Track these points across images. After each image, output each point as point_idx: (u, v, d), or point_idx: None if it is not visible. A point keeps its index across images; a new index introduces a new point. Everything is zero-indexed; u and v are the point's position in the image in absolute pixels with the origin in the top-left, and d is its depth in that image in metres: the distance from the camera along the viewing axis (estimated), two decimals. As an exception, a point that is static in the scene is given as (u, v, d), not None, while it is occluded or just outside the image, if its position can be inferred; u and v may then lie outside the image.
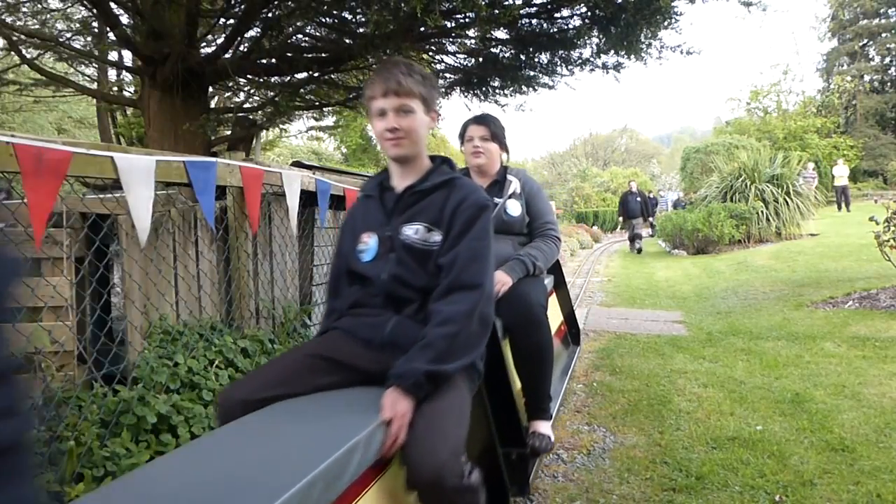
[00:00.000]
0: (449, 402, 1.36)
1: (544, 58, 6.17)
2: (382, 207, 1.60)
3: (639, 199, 14.50)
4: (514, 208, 2.48)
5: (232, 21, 5.59)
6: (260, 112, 6.91)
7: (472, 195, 1.53)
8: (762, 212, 12.01)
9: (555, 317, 3.24)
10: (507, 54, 6.26)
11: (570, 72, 6.33)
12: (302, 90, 6.37)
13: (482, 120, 2.51)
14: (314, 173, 3.66)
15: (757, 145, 17.64)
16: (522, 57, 6.14)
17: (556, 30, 5.75)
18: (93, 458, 1.85)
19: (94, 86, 8.74)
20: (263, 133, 11.45)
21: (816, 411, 3.08)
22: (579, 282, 9.13)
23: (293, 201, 3.21)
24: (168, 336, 2.65)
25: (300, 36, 6.19)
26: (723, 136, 26.00)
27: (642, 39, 5.53)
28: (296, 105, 6.37)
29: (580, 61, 6.07)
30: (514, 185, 2.52)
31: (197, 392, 2.38)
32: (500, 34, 5.96)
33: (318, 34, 6.30)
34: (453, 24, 5.35)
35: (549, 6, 5.48)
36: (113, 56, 7.93)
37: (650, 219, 17.95)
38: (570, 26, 5.64)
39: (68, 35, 7.03)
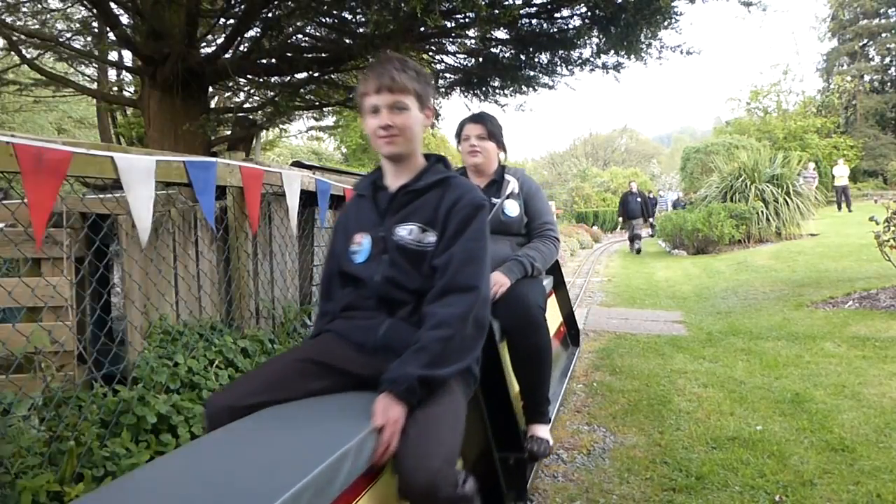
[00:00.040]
0: (443, 408, 1.32)
1: (544, 58, 6.17)
2: (375, 207, 1.56)
3: (639, 199, 14.50)
4: (512, 208, 2.45)
5: (232, 21, 5.60)
6: (260, 112, 6.92)
7: (468, 195, 1.49)
8: (762, 212, 12.01)
9: (554, 318, 3.22)
10: (507, 54, 6.27)
11: (570, 72, 6.34)
12: (302, 90, 6.38)
13: (479, 118, 2.48)
14: (314, 173, 3.66)
15: (757, 145, 17.64)
16: (522, 57, 6.14)
17: (556, 30, 5.75)
18: (93, 458, 1.85)
19: (94, 86, 8.75)
20: (263, 133, 11.46)
21: (816, 411, 3.08)
22: (579, 282, 9.13)
23: (293, 201, 3.21)
24: (168, 336, 2.66)
25: (300, 36, 6.20)
26: (723, 136, 26.00)
27: (642, 39, 5.53)
28: (296, 105, 6.38)
29: (580, 61, 6.07)
30: (513, 185, 2.49)
31: (197, 392, 2.38)
32: (500, 34, 5.96)
33: (318, 34, 6.30)
34: (453, 24, 5.35)
35: (549, 6, 5.48)
36: (113, 56, 7.93)
37: (650, 219, 17.95)
38: (570, 26, 5.64)
39: (68, 35, 7.04)
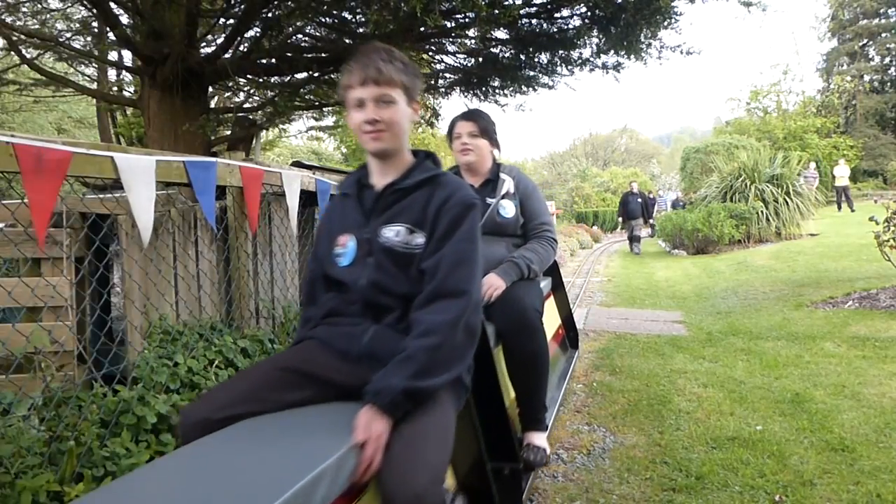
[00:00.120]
0: (431, 422, 1.23)
1: (544, 58, 6.17)
2: (360, 207, 1.47)
3: (639, 199, 14.49)
4: (508, 209, 2.38)
5: (232, 21, 5.59)
6: (260, 112, 6.92)
7: (458, 193, 1.41)
8: (762, 212, 12.02)
9: (552, 320, 3.18)
10: (507, 54, 6.27)
11: (570, 72, 6.34)
12: (302, 90, 6.37)
13: (470, 115, 2.40)
14: (314, 173, 3.67)
15: (757, 145, 17.65)
16: (522, 57, 6.14)
17: (556, 30, 5.75)
18: (93, 458, 1.85)
19: (94, 86, 8.75)
20: (263, 133, 11.46)
21: (816, 411, 3.08)
22: (579, 282, 9.13)
23: (293, 201, 3.21)
24: (168, 336, 2.66)
25: (300, 36, 6.20)
26: (723, 136, 25.99)
27: (642, 39, 5.53)
28: (295, 105, 6.38)
29: (580, 61, 6.07)
30: (508, 185, 2.42)
31: (197, 392, 2.37)
32: (500, 34, 5.96)
33: (318, 34, 6.30)
34: (453, 24, 5.35)
35: (549, 6, 5.48)
36: (113, 56, 7.93)
37: (650, 220, 17.95)
38: (570, 26, 5.64)
39: (68, 35, 7.04)
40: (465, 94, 6.93)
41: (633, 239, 14.42)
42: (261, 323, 3.37)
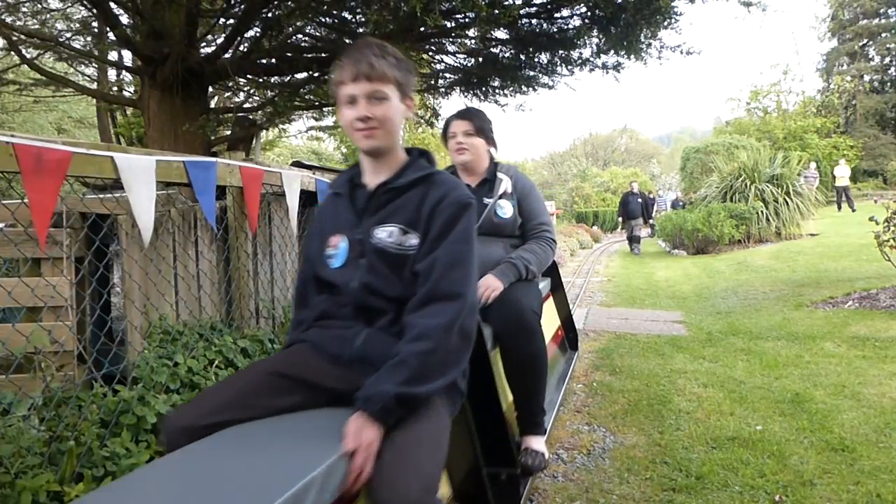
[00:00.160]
0: (423, 429, 1.19)
1: (544, 58, 6.18)
2: (352, 207, 1.43)
3: (639, 199, 14.49)
4: (506, 209, 2.34)
5: (232, 21, 5.60)
6: (260, 112, 6.92)
7: (453, 192, 1.37)
8: (762, 212, 12.02)
9: (551, 322, 3.15)
10: (507, 54, 6.27)
11: (570, 72, 6.34)
12: (302, 90, 6.37)
13: (465, 114, 2.37)
14: (314, 173, 3.67)
15: (757, 145, 17.65)
16: (522, 57, 6.15)
17: (556, 30, 5.75)
18: (93, 458, 1.85)
19: (94, 86, 8.75)
20: (263, 133, 11.46)
21: (816, 411, 3.08)
22: (579, 282, 9.14)
23: (293, 201, 3.21)
24: (168, 336, 2.66)
25: (300, 36, 6.20)
26: (723, 136, 25.99)
27: (642, 39, 5.54)
28: (295, 105, 6.38)
29: (580, 61, 6.08)
30: (505, 184, 2.37)
31: (197, 392, 2.38)
32: (500, 34, 5.96)
33: (318, 34, 6.30)
34: (453, 24, 5.36)
35: (549, 6, 5.49)
36: (113, 56, 7.94)
37: (650, 220, 17.95)
38: (570, 26, 5.65)
39: (68, 35, 7.05)
40: (465, 94, 6.94)
41: (633, 240, 14.39)
42: (261, 323, 3.38)
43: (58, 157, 1.79)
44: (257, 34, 5.57)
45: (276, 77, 6.30)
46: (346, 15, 5.71)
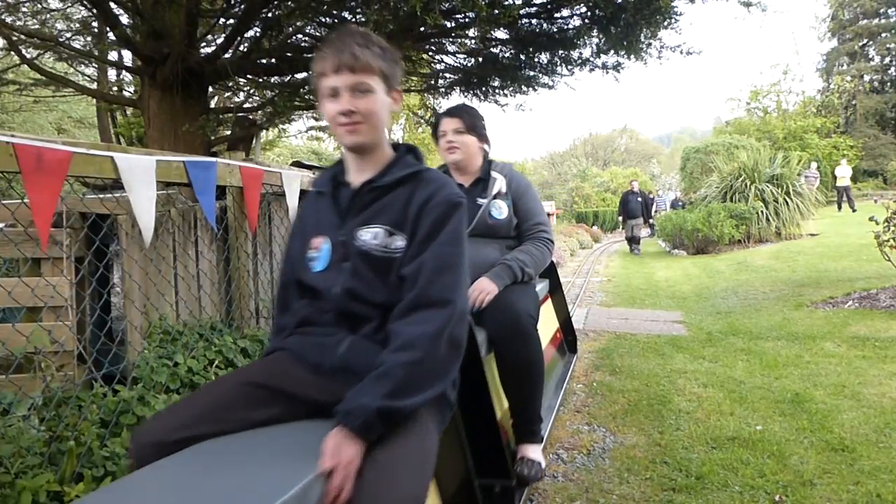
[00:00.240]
0: (408, 445, 1.10)
1: (544, 58, 6.17)
2: (335, 206, 1.35)
3: (639, 199, 14.49)
4: (501, 209, 2.27)
5: (232, 21, 5.60)
6: (260, 112, 6.92)
7: (442, 191, 1.28)
8: (762, 212, 12.03)
9: (549, 324, 3.11)
10: (507, 54, 6.27)
11: (570, 72, 6.34)
12: (302, 90, 6.37)
13: (455, 111, 2.30)
14: (314, 173, 3.67)
15: (757, 145, 17.66)
16: (522, 57, 6.15)
17: (556, 30, 5.75)
18: (93, 458, 1.85)
19: (94, 86, 8.74)
20: (263, 133, 11.45)
21: (816, 411, 3.08)
22: (579, 282, 9.14)
23: (293, 201, 3.22)
24: (168, 336, 2.66)
25: (300, 36, 6.20)
26: (723, 136, 26.02)
27: (642, 39, 5.53)
28: (295, 105, 6.37)
29: (580, 61, 6.07)
30: (500, 183, 2.29)
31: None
32: (500, 34, 5.96)
33: (318, 34, 6.30)
34: (453, 24, 5.36)
35: (549, 6, 5.49)
36: (113, 56, 7.93)
37: (650, 220, 17.96)
38: (570, 26, 5.65)
39: (68, 35, 7.04)
40: (465, 94, 6.93)
41: (633, 240, 14.37)
42: (261, 323, 3.38)
43: (58, 157, 1.79)
44: (257, 34, 5.57)
45: (276, 77, 6.30)
46: (346, 15, 5.70)
